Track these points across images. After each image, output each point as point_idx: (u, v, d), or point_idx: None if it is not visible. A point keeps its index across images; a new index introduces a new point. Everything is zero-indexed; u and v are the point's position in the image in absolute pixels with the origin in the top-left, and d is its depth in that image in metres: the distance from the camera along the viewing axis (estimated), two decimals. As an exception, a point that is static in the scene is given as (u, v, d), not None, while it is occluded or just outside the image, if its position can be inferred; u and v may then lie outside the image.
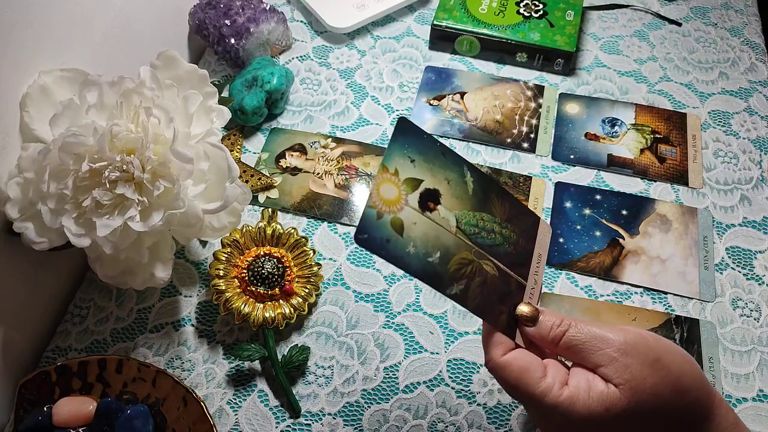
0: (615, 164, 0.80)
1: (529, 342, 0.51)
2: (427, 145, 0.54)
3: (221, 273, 0.68)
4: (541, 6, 0.92)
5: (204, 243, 0.75)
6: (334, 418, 0.65)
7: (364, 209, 0.48)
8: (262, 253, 0.69)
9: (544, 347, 0.50)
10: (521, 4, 0.92)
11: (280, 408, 0.65)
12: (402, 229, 0.50)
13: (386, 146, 0.79)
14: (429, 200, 0.53)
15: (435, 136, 0.68)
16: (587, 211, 0.77)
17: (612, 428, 0.46)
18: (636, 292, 0.71)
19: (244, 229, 0.70)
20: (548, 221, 0.76)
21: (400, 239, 0.49)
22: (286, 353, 0.67)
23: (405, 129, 0.54)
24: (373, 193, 0.49)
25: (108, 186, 0.56)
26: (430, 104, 0.86)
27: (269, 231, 0.70)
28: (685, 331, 0.68)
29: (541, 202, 0.77)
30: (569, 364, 0.50)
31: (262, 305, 0.67)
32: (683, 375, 0.47)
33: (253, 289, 0.67)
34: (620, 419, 0.46)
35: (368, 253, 0.57)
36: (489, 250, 0.55)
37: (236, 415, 0.65)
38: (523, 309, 0.51)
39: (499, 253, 0.55)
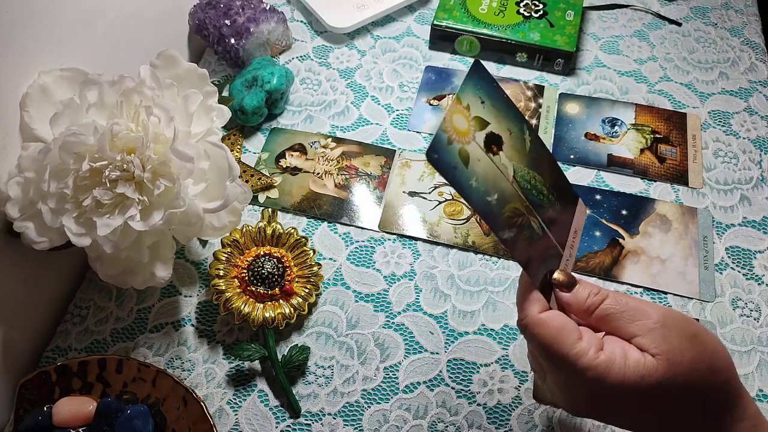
0: (615, 164, 0.80)
1: (563, 309, 0.50)
2: (496, 93, 0.54)
3: (221, 273, 0.68)
4: (541, 6, 0.92)
5: (204, 243, 0.75)
6: (334, 418, 0.65)
7: (437, 131, 0.49)
8: (262, 253, 0.69)
9: (578, 316, 0.50)
10: (521, 4, 0.92)
11: (280, 408, 0.65)
12: (468, 161, 0.51)
13: (389, 144, 0.80)
14: (493, 143, 0.53)
15: (430, 139, 0.68)
16: (587, 211, 0.77)
17: (645, 398, 0.46)
18: (636, 292, 0.71)
19: (244, 229, 0.69)
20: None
21: (465, 170, 0.50)
22: (286, 353, 0.67)
23: (479, 71, 0.54)
24: (447, 119, 0.50)
25: (108, 185, 0.56)
26: (430, 104, 0.86)
27: (269, 231, 0.70)
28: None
29: (541, 202, 0.77)
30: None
31: (262, 305, 0.67)
32: (717, 354, 0.47)
33: (253, 289, 0.67)
34: (654, 390, 0.45)
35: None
36: (538, 209, 0.55)
37: (236, 415, 0.65)
38: (560, 276, 0.50)
39: (545, 216, 0.55)
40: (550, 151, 0.81)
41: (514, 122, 0.54)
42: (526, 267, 0.51)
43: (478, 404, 0.65)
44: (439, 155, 0.49)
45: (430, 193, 0.78)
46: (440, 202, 0.77)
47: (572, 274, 0.51)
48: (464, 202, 0.51)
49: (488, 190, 0.52)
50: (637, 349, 0.46)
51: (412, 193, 0.78)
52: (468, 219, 0.76)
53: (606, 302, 0.48)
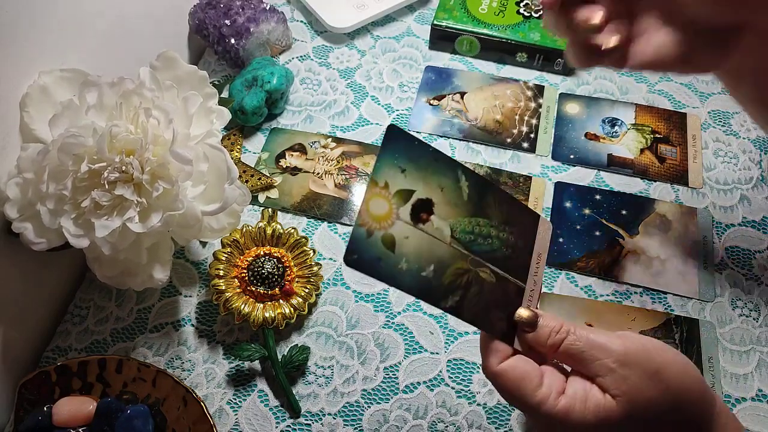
0: (615, 164, 0.80)
1: (528, 347, 0.50)
2: (418, 152, 0.51)
3: (221, 273, 0.68)
4: (541, 6, 0.92)
5: (204, 243, 0.76)
6: (334, 418, 0.65)
7: (352, 230, 0.46)
8: (262, 253, 0.69)
9: (542, 352, 0.49)
10: (521, 4, 0.92)
11: (280, 408, 0.66)
12: (394, 245, 0.48)
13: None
14: (422, 211, 0.51)
15: (430, 138, 0.69)
16: (587, 211, 0.77)
17: None
18: (636, 292, 0.71)
19: (244, 229, 0.70)
20: (548, 219, 0.76)
21: (392, 256, 0.48)
22: (286, 353, 0.67)
23: (395, 136, 0.50)
24: (362, 210, 0.47)
25: (107, 187, 0.56)
26: (430, 104, 0.86)
27: (269, 231, 0.70)
28: (684, 331, 0.68)
29: (541, 202, 0.77)
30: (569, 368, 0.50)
31: (262, 305, 0.67)
32: (682, 390, 0.46)
33: (253, 289, 0.68)
34: (614, 431, 0.45)
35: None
36: (486, 256, 0.53)
37: (236, 415, 0.65)
38: (522, 313, 0.50)
39: (496, 259, 0.54)
40: (550, 151, 0.81)
41: (446, 174, 0.51)
42: (479, 325, 0.50)
43: (478, 404, 0.65)
44: (358, 255, 0.46)
45: (430, 193, 0.78)
46: (440, 202, 0.77)
47: (535, 310, 0.50)
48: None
49: (422, 265, 0.49)
50: (598, 389, 0.46)
51: (412, 193, 0.78)
52: (468, 219, 0.76)
53: (567, 340, 0.48)
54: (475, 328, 0.69)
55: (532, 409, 0.46)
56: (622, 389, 0.45)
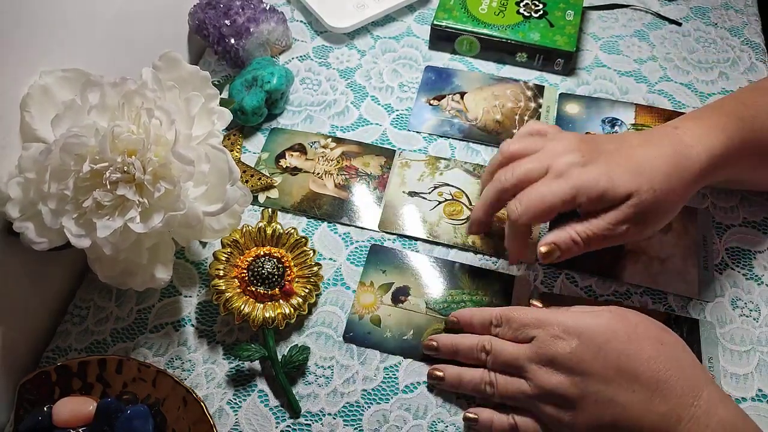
0: (615, 164, 0.80)
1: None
2: (396, 256, 0.74)
3: (221, 273, 0.68)
4: (541, 6, 0.92)
5: (204, 243, 0.76)
6: (334, 418, 0.65)
7: (347, 317, 0.70)
8: (262, 253, 0.69)
9: None
10: (521, 4, 0.92)
11: (280, 408, 0.66)
12: (379, 321, 0.69)
13: (389, 144, 0.80)
14: (400, 295, 0.71)
15: (430, 138, 0.72)
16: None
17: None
18: (636, 292, 0.72)
19: (244, 229, 0.70)
20: (548, 222, 0.76)
21: (378, 329, 0.69)
22: (286, 353, 0.67)
23: (376, 250, 0.74)
24: (355, 302, 0.71)
25: (109, 187, 0.56)
26: (430, 104, 0.86)
27: (269, 231, 0.70)
28: (684, 332, 0.68)
29: (540, 202, 0.77)
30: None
31: (262, 305, 0.67)
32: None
33: (253, 289, 0.68)
34: (609, 325, 0.59)
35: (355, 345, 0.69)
36: None
37: (236, 415, 0.65)
38: (536, 303, 0.70)
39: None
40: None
41: (418, 265, 0.73)
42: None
43: (478, 404, 0.65)
44: (353, 332, 0.69)
45: (429, 193, 0.78)
46: (440, 202, 0.78)
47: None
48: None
49: (403, 331, 0.68)
50: None
51: (412, 193, 0.78)
52: (468, 219, 0.76)
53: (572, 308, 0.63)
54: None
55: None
56: (615, 309, 0.61)
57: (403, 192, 0.78)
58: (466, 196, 0.78)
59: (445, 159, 0.81)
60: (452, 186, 0.79)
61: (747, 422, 0.54)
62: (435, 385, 0.66)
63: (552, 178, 0.62)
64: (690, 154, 0.62)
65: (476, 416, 0.62)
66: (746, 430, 0.54)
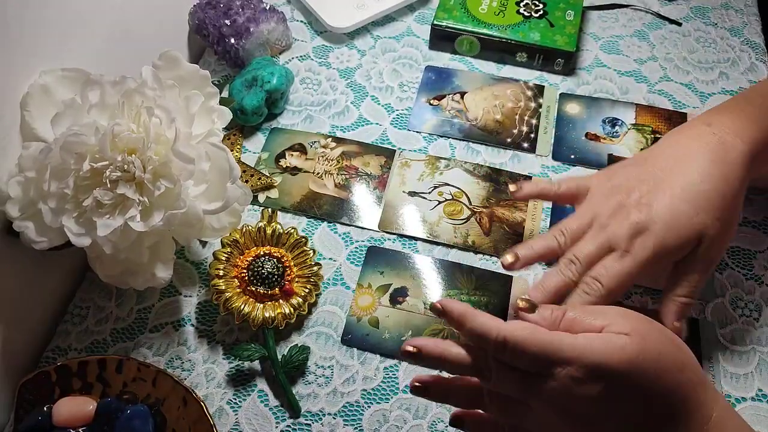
0: (615, 164, 0.80)
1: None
2: (394, 257, 0.73)
3: (221, 273, 0.68)
4: (541, 6, 0.92)
5: (204, 243, 0.76)
6: (334, 418, 0.65)
7: (345, 319, 0.69)
8: (262, 253, 0.69)
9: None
10: (521, 4, 0.92)
11: (280, 408, 0.65)
12: (378, 323, 0.69)
13: (389, 144, 0.80)
14: (398, 296, 0.71)
15: (430, 138, 0.72)
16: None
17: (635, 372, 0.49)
18: (636, 292, 0.71)
19: (244, 229, 0.69)
20: (548, 221, 0.76)
21: (377, 331, 0.68)
22: (286, 353, 0.67)
23: (374, 252, 0.74)
24: (353, 304, 0.70)
25: (109, 186, 0.56)
26: (430, 104, 0.86)
27: (269, 231, 0.70)
28: (684, 331, 0.68)
29: (541, 202, 0.77)
30: None
31: (262, 305, 0.67)
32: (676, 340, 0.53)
33: (253, 289, 0.67)
34: (634, 359, 0.48)
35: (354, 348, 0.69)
36: None
37: (236, 415, 0.65)
38: (521, 303, 0.53)
39: None
40: (551, 151, 0.81)
41: (417, 266, 0.73)
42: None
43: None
44: (351, 335, 0.68)
45: (429, 192, 0.78)
46: (440, 202, 0.77)
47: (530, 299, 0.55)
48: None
49: (401, 332, 0.68)
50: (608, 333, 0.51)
51: (412, 193, 0.78)
52: (468, 219, 0.76)
53: (568, 312, 0.53)
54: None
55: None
56: (631, 327, 0.50)
57: (403, 192, 0.78)
58: (466, 195, 0.78)
59: (445, 159, 0.81)
60: (452, 186, 0.79)
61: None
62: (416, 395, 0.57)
63: (618, 256, 0.60)
64: (731, 158, 0.61)
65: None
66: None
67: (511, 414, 0.53)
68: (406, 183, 0.79)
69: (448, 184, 0.79)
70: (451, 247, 0.74)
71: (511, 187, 0.68)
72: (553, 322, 0.52)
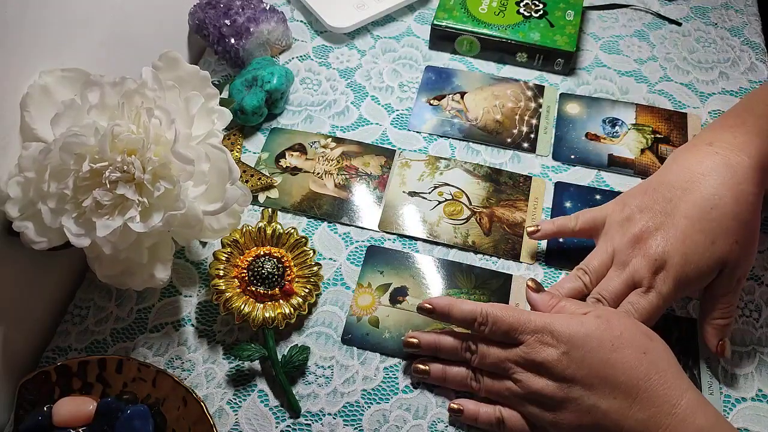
0: (615, 164, 0.80)
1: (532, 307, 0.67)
2: (393, 257, 0.74)
3: (221, 273, 0.68)
4: (541, 6, 0.92)
5: (204, 243, 0.76)
6: (334, 418, 0.65)
7: (345, 319, 0.70)
8: (262, 253, 0.69)
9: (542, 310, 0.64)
10: (521, 4, 0.92)
11: (280, 408, 0.65)
12: (378, 322, 0.69)
13: (389, 144, 0.80)
14: (398, 296, 0.71)
15: (430, 138, 0.72)
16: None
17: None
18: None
19: (244, 229, 0.69)
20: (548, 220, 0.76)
21: (377, 330, 0.69)
22: (286, 353, 0.67)
23: (373, 252, 0.74)
24: (353, 304, 0.71)
25: (108, 186, 0.56)
26: (430, 104, 0.86)
27: (269, 231, 0.70)
28: (684, 332, 0.68)
29: (540, 202, 0.77)
30: None
31: (262, 305, 0.67)
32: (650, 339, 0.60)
33: (253, 289, 0.67)
34: (593, 333, 0.58)
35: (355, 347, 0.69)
36: None
37: (236, 415, 0.65)
38: (529, 282, 0.66)
39: None
40: (551, 151, 0.81)
41: (417, 265, 0.73)
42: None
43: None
44: (351, 334, 0.69)
45: (429, 193, 0.78)
46: (440, 202, 0.77)
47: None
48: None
49: (402, 332, 0.68)
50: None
51: (412, 193, 0.78)
52: (468, 219, 0.76)
53: (562, 301, 0.64)
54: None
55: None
56: (603, 312, 0.60)
57: (403, 192, 0.78)
58: (466, 196, 0.78)
59: (445, 159, 0.81)
60: (452, 186, 0.79)
61: (725, 428, 0.55)
62: (420, 380, 0.66)
63: (643, 292, 0.63)
64: (739, 177, 0.62)
65: (461, 407, 0.63)
66: None
67: (496, 389, 0.62)
68: (406, 183, 0.79)
69: (448, 184, 0.79)
70: (451, 247, 0.74)
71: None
72: (547, 304, 0.64)
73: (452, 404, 0.63)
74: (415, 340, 0.65)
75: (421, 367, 0.65)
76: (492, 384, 0.62)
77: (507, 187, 0.78)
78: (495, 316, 0.61)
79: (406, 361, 0.67)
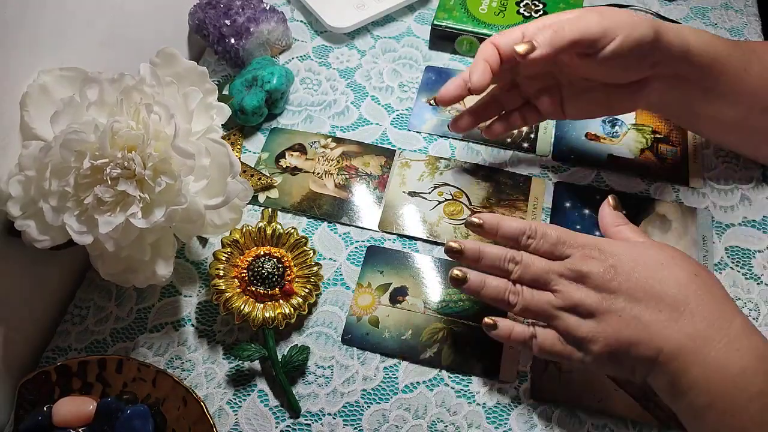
0: (615, 164, 0.80)
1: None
2: (393, 256, 0.73)
3: (221, 273, 0.68)
4: (541, 6, 0.92)
5: (204, 243, 0.75)
6: (334, 418, 0.65)
7: (345, 319, 0.69)
8: (262, 253, 0.69)
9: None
10: (521, 4, 0.92)
11: (280, 408, 0.65)
12: (378, 322, 0.69)
13: (389, 144, 0.80)
14: (398, 295, 0.71)
15: (430, 138, 0.71)
16: (587, 211, 0.77)
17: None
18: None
19: (244, 229, 0.69)
20: (548, 221, 0.76)
21: (377, 330, 0.68)
22: (286, 353, 0.67)
23: (373, 252, 0.74)
24: (353, 303, 0.70)
25: (109, 183, 0.56)
26: (431, 104, 0.86)
27: (269, 231, 0.70)
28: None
29: (540, 202, 0.77)
30: None
31: (262, 305, 0.67)
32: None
33: (253, 289, 0.67)
34: (640, 249, 0.60)
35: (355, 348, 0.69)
36: (458, 315, 0.69)
37: (236, 415, 0.65)
38: (610, 199, 0.68)
39: (469, 315, 0.69)
40: (551, 151, 0.81)
41: (417, 265, 0.73)
42: (457, 369, 0.67)
43: (478, 404, 0.65)
44: (351, 334, 0.68)
45: (429, 193, 0.78)
46: (440, 202, 0.77)
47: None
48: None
49: (401, 332, 0.68)
50: None
51: (412, 193, 0.78)
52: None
53: (626, 225, 0.66)
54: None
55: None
56: (646, 239, 0.62)
57: (403, 192, 0.78)
58: (466, 195, 0.78)
59: (445, 159, 0.81)
60: (452, 186, 0.79)
61: None
62: (455, 286, 0.62)
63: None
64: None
65: (495, 323, 0.61)
66: None
67: (535, 301, 0.60)
68: (406, 183, 0.79)
69: (448, 184, 0.79)
70: (452, 246, 0.74)
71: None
72: (614, 221, 0.66)
73: (487, 319, 0.61)
74: (457, 245, 0.61)
75: (459, 273, 0.61)
76: (531, 296, 0.59)
77: (507, 187, 0.78)
78: (544, 230, 0.60)
79: (406, 361, 0.67)
